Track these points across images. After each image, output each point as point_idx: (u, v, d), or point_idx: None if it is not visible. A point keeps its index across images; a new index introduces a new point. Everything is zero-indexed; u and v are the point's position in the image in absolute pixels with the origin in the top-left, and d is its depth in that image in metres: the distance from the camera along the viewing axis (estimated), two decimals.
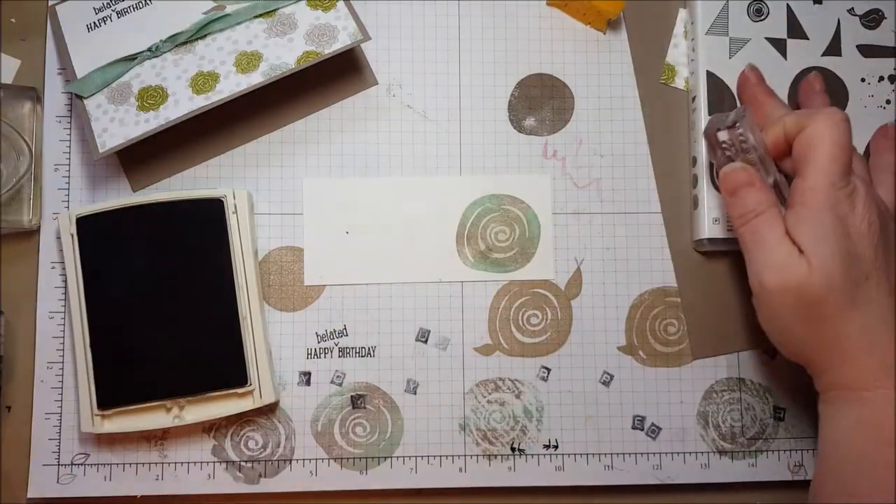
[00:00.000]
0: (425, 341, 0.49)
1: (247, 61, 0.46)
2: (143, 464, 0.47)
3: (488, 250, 0.49)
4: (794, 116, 0.42)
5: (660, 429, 0.49)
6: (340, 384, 0.48)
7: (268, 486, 0.47)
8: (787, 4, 0.50)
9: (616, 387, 0.49)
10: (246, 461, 0.47)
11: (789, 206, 0.41)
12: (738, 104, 0.48)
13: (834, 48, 0.50)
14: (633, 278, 0.50)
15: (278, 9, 0.47)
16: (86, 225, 0.46)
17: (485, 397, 0.48)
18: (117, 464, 0.46)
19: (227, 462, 0.47)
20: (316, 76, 0.49)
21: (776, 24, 0.50)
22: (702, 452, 0.49)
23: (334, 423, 0.48)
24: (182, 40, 0.47)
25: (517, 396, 0.48)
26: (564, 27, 0.51)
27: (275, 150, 0.49)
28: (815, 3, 0.51)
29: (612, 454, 0.48)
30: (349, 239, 0.49)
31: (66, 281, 0.46)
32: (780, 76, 0.50)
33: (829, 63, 0.50)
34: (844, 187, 0.40)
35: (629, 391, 0.49)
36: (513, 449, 0.48)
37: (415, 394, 0.48)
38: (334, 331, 0.48)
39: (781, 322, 0.41)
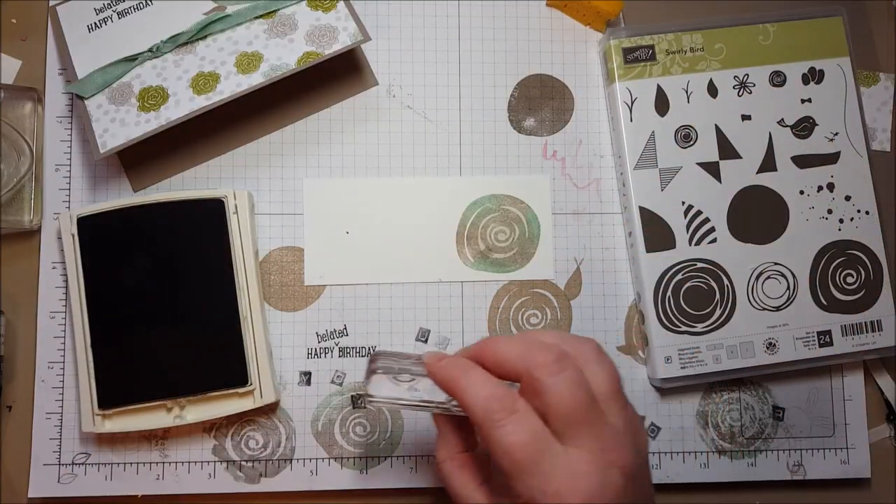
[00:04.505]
0: (425, 341, 0.49)
1: (247, 62, 0.46)
2: (144, 463, 0.47)
3: (488, 250, 0.49)
4: None
5: (659, 428, 0.49)
6: (341, 384, 0.48)
7: (268, 485, 0.47)
8: (715, 124, 0.49)
9: None
10: (246, 461, 0.47)
11: None
12: None
13: (768, 163, 0.49)
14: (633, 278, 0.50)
15: (279, 9, 0.47)
16: (86, 225, 0.46)
17: None
18: (118, 463, 0.47)
19: (227, 462, 0.47)
20: (316, 77, 0.49)
21: (706, 148, 0.49)
22: (701, 452, 0.49)
23: (334, 422, 0.48)
24: (183, 41, 0.47)
25: None
26: (564, 28, 0.51)
27: (275, 151, 0.49)
28: (743, 120, 0.49)
29: None
30: (349, 239, 0.49)
31: (66, 281, 0.46)
32: (716, 201, 0.48)
33: (766, 179, 0.48)
34: None
35: (628, 391, 0.49)
36: None
37: None
38: (334, 331, 0.48)
39: None
